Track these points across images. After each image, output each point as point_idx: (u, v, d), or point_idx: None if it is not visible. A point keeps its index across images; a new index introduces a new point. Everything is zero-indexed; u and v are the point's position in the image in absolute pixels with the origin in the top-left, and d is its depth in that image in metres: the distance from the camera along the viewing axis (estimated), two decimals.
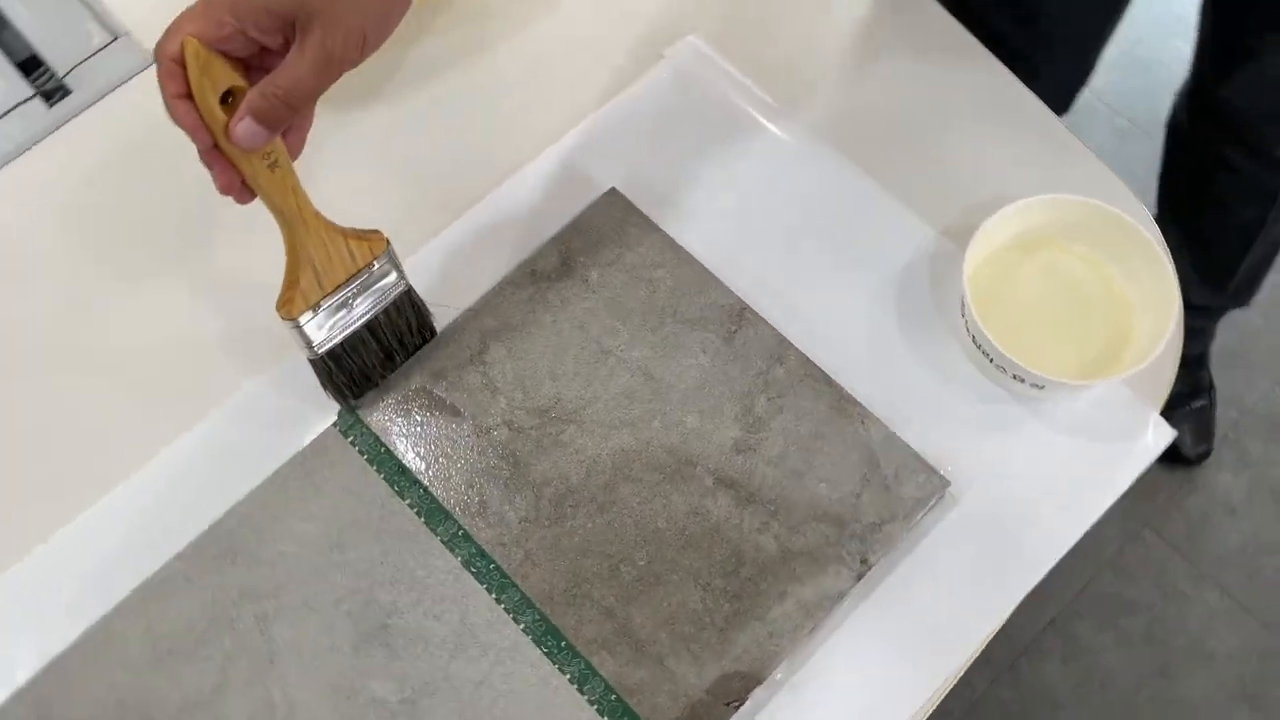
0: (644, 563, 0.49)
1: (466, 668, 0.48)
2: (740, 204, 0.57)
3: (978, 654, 0.49)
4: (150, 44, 0.43)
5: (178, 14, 0.41)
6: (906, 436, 0.51)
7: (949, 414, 0.52)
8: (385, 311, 0.51)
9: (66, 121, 0.60)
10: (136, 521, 0.51)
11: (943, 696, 0.48)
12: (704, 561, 0.49)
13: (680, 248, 0.55)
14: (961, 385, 0.53)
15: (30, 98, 0.60)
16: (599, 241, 0.56)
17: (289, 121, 0.42)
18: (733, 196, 0.58)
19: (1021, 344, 0.49)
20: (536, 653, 0.48)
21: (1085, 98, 1.38)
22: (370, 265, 0.49)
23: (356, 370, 0.51)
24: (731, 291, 0.54)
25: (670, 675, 0.47)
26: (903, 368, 0.53)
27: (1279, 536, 1.18)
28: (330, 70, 0.40)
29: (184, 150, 0.43)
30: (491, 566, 0.49)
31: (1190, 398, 1.17)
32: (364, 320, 0.50)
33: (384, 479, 0.51)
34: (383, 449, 0.52)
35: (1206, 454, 1.19)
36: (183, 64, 0.40)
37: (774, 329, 0.53)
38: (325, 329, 0.49)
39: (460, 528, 0.50)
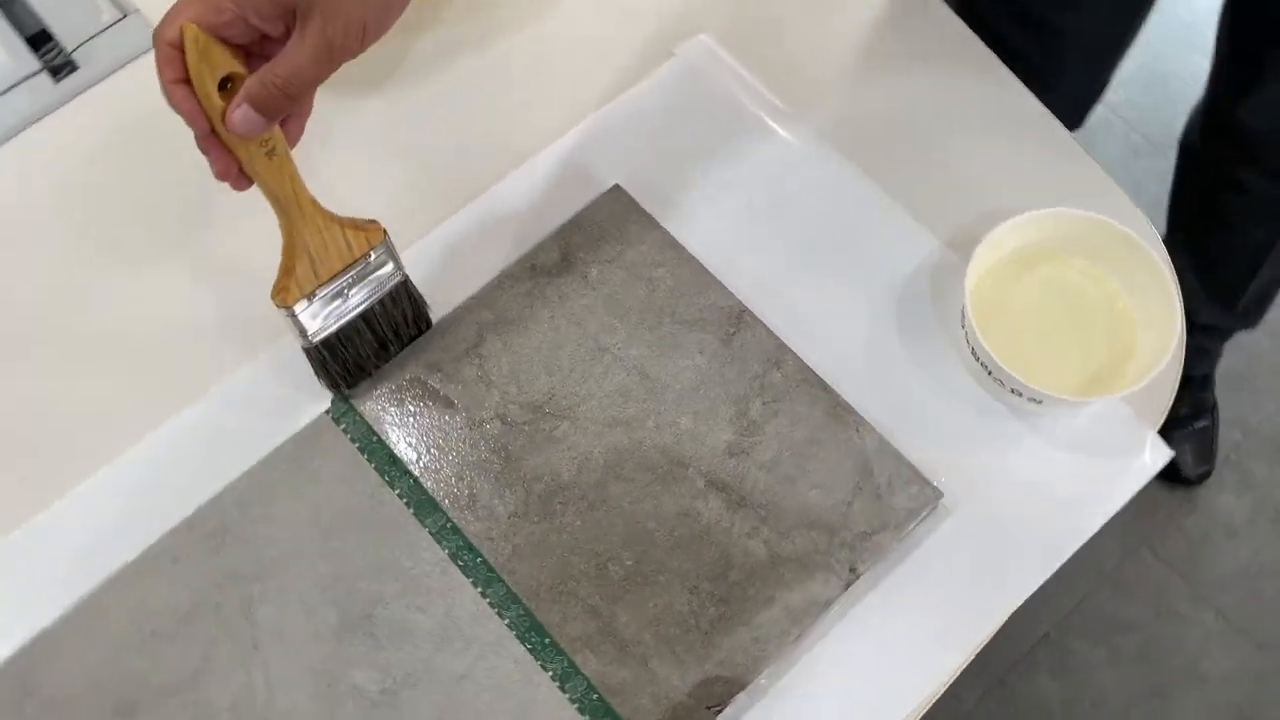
0: (632, 562, 0.49)
1: (449, 661, 0.48)
2: (744, 206, 0.57)
3: (965, 666, 0.48)
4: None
5: None
6: (901, 446, 0.51)
7: (945, 425, 0.52)
8: (381, 302, 0.50)
9: (73, 98, 0.60)
10: (126, 501, 0.51)
11: (929, 707, 0.48)
12: (692, 564, 0.49)
13: (681, 247, 0.55)
14: (959, 397, 0.53)
15: (37, 72, 0.60)
16: (600, 238, 0.56)
17: (287, 110, 0.41)
18: (737, 198, 0.57)
19: (1021, 358, 0.49)
20: (520, 649, 0.48)
21: (1100, 112, 1.38)
22: (367, 255, 0.49)
23: (350, 360, 0.51)
24: (731, 293, 0.54)
25: (653, 677, 0.47)
26: (900, 377, 0.53)
27: (1278, 559, 1.17)
28: (330, 60, 0.40)
29: (188, 132, 0.43)
30: (479, 560, 0.49)
31: (1193, 418, 1.17)
32: (359, 310, 0.50)
33: (375, 468, 0.51)
34: (374, 438, 0.51)
35: (1207, 475, 1.19)
36: (181, 49, 0.40)
37: (772, 333, 0.53)
38: (320, 318, 0.49)
39: (449, 520, 0.50)
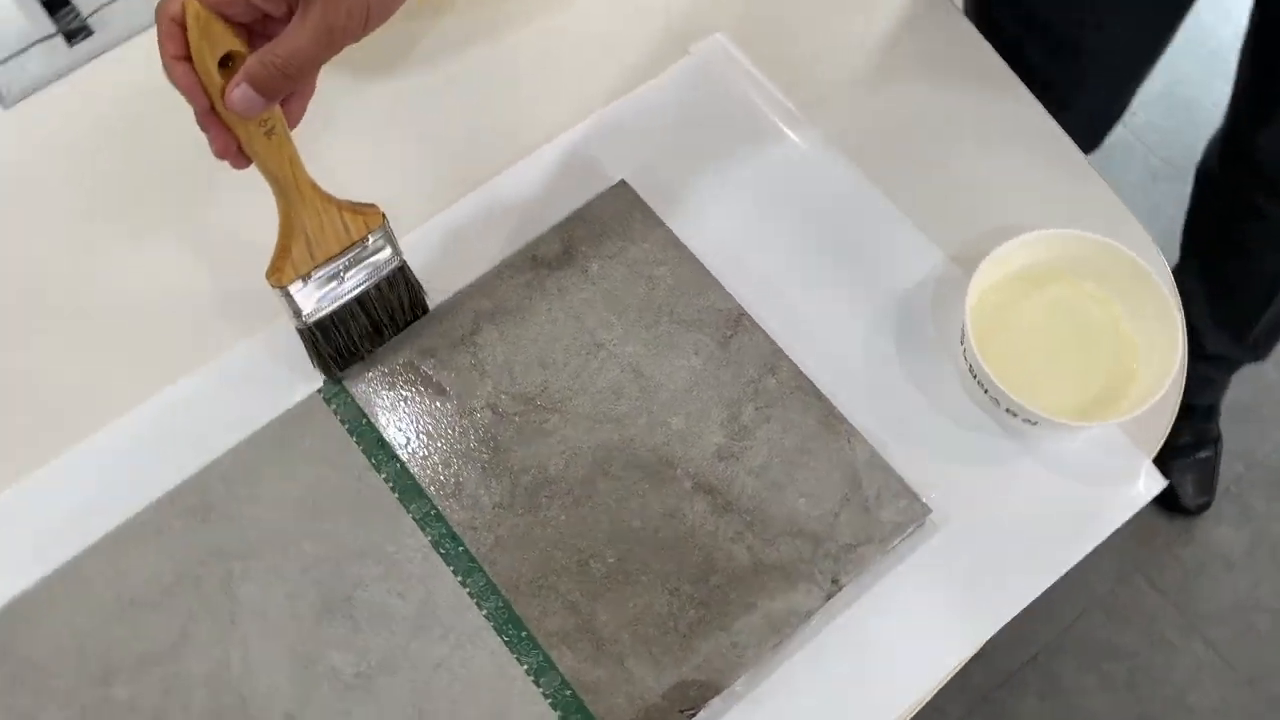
0: (614, 560, 0.49)
1: (426, 649, 0.47)
2: (750, 208, 0.57)
3: (947, 683, 0.48)
4: None
5: None
6: (893, 460, 0.50)
7: (938, 441, 0.52)
8: (377, 286, 0.50)
9: (85, 62, 0.60)
10: (113, 469, 0.51)
11: None
12: (674, 565, 0.48)
13: (684, 247, 0.55)
14: (954, 413, 0.52)
15: (52, 35, 0.60)
16: (603, 233, 0.55)
17: (286, 91, 0.41)
18: (743, 199, 0.57)
19: (1018, 378, 0.49)
20: (497, 641, 0.47)
21: (1120, 134, 1.37)
22: (365, 239, 0.49)
23: (344, 344, 0.51)
24: (731, 296, 0.54)
25: (629, 676, 0.47)
26: (896, 390, 0.53)
27: (1273, 594, 1.16)
28: (331, 42, 0.40)
29: None
30: (460, 549, 0.49)
31: (1195, 448, 1.16)
32: (355, 294, 0.50)
33: (363, 451, 0.51)
34: (364, 420, 0.51)
35: (1206, 505, 1.18)
36: (183, 25, 0.40)
37: (770, 338, 0.53)
38: (315, 299, 0.49)
39: (433, 507, 0.50)
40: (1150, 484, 0.51)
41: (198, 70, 0.41)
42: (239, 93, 0.41)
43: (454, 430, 0.51)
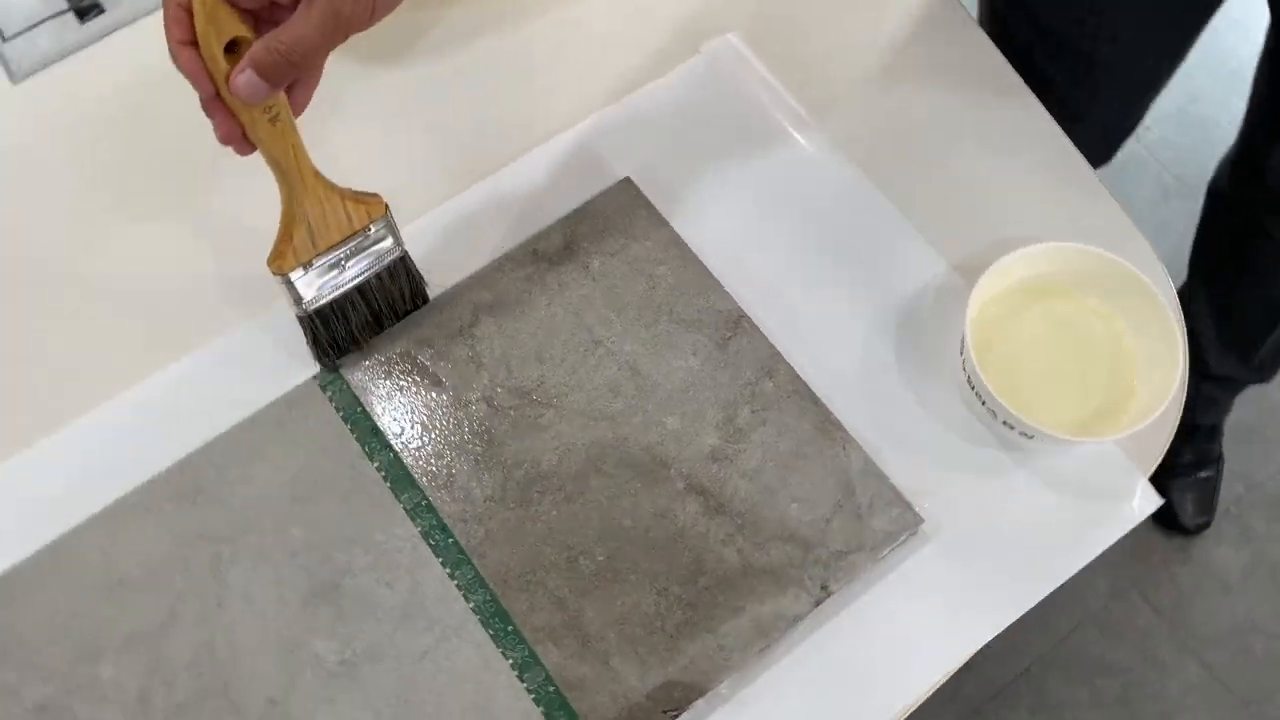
0: (603, 558, 0.48)
1: (411, 639, 0.47)
2: (754, 209, 0.56)
3: (934, 694, 0.48)
4: None
5: None
6: (887, 468, 0.50)
7: (934, 451, 0.51)
8: (378, 276, 0.50)
9: (96, 40, 0.60)
10: (106, 448, 0.51)
11: None
12: (664, 565, 0.48)
13: (686, 246, 0.55)
14: (951, 424, 0.52)
15: (64, 11, 0.60)
16: (605, 229, 0.55)
17: (291, 78, 0.41)
18: (748, 200, 0.57)
19: (1017, 390, 0.48)
20: (483, 634, 0.47)
21: (1134, 150, 1.36)
22: (367, 229, 0.48)
23: (343, 333, 0.51)
24: (731, 298, 0.53)
25: (613, 675, 0.46)
26: (893, 398, 0.52)
27: (1269, 616, 1.16)
28: (337, 31, 0.40)
29: None
30: (450, 541, 0.49)
31: (1196, 467, 1.15)
32: (355, 283, 0.49)
33: (356, 439, 0.51)
34: (359, 408, 0.51)
35: (1205, 525, 1.17)
36: (190, 10, 0.40)
37: (768, 341, 0.52)
38: (316, 287, 0.49)
39: (425, 497, 0.49)
40: (1146, 502, 0.51)
41: (203, 55, 0.41)
42: (243, 78, 0.41)
43: (448, 422, 0.51)
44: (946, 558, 0.49)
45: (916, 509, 0.49)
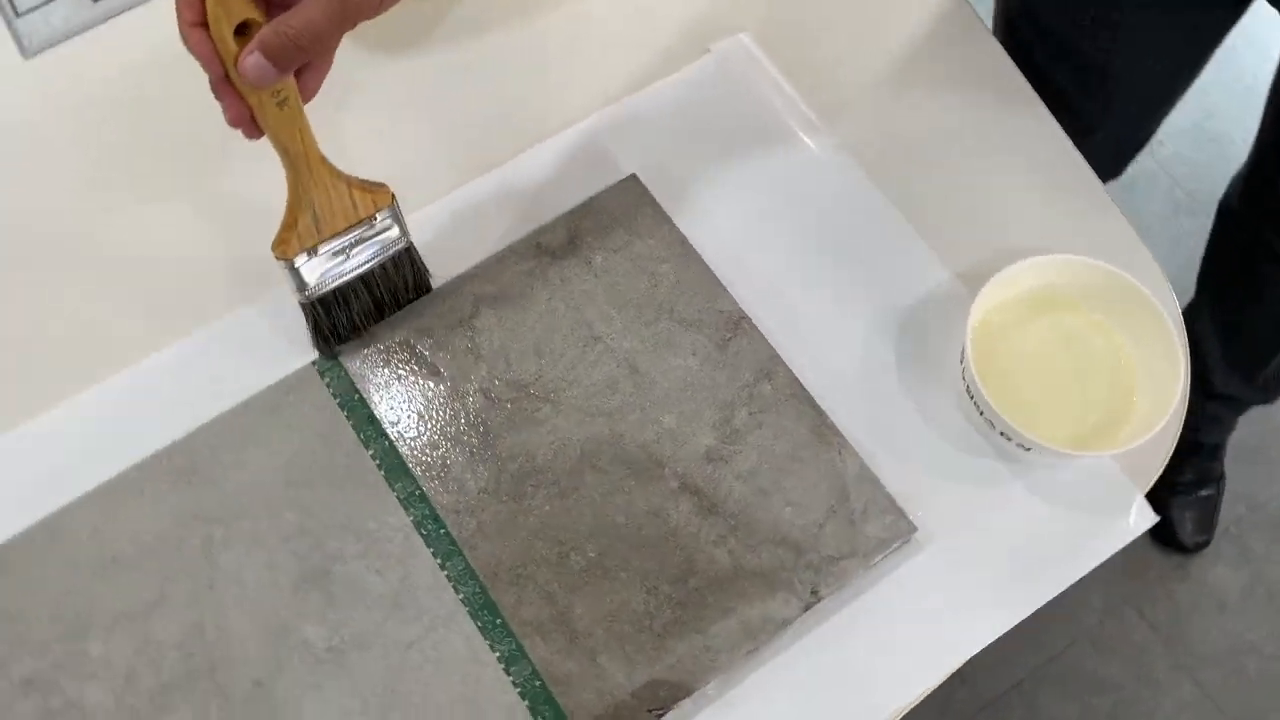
0: (594, 554, 0.48)
1: (399, 628, 0.47)
2: (759, 210, 0.56)
3: (922, 703, 0.48)
4: None
5: None
6: (883, 474, 0.50)
7: (930, 460, 0.51)
8: (383, 266, 0.50)
9: (109, 18, 0.60)
10: (104, 426, 0.51)
11: None
12: (655, 564, 0.48)
13: (690, 246, 0.55)
14: (948, 433, 0.52)
15: None
16: (609, 226, 0.55)
17: (299, 62, 0.41)
18: (753, 201, 0.57)
19: (1016, 402, 0.48)
20: (471, 626, 0.47)
21: (1147, 165, 1.36)
22: (372, 217, 0.48)
23: (345, 321, 0.51)
24: (732, 298, 0.53)
25: (600, 672, 0.46)
26: (892, 405, 0.52)
27: (1265, 638, 1.15)
28: (345, 17, 0.40)
29: None
30: (442, 532, 0.49)
31: (1197, 485, 1.15)
32: (359, 272, 0.49)
33: (352, 426, 0.51)
34: (356, 396, 0.51)
35: (1205, 544, 1.17)
36: None
37: (768, 344, 0.52)
38: (319, 274, 0.49)
39: (418, 487, 0.49)
40: (1141, 519, 0.51)
41: (213, 37, 0.41)
42: (252, 61, 0.41)
43: (445, 412, 0.51)
44: (939, 567, 0.49)
45: (910, 517, 0.49)
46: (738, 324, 0.53)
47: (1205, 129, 1.38)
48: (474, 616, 0.47)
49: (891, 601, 0.49)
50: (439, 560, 0.48)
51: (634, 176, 0.56)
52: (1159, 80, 0.75)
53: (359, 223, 0.48)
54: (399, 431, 0.50)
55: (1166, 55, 0.70)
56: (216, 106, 0.44)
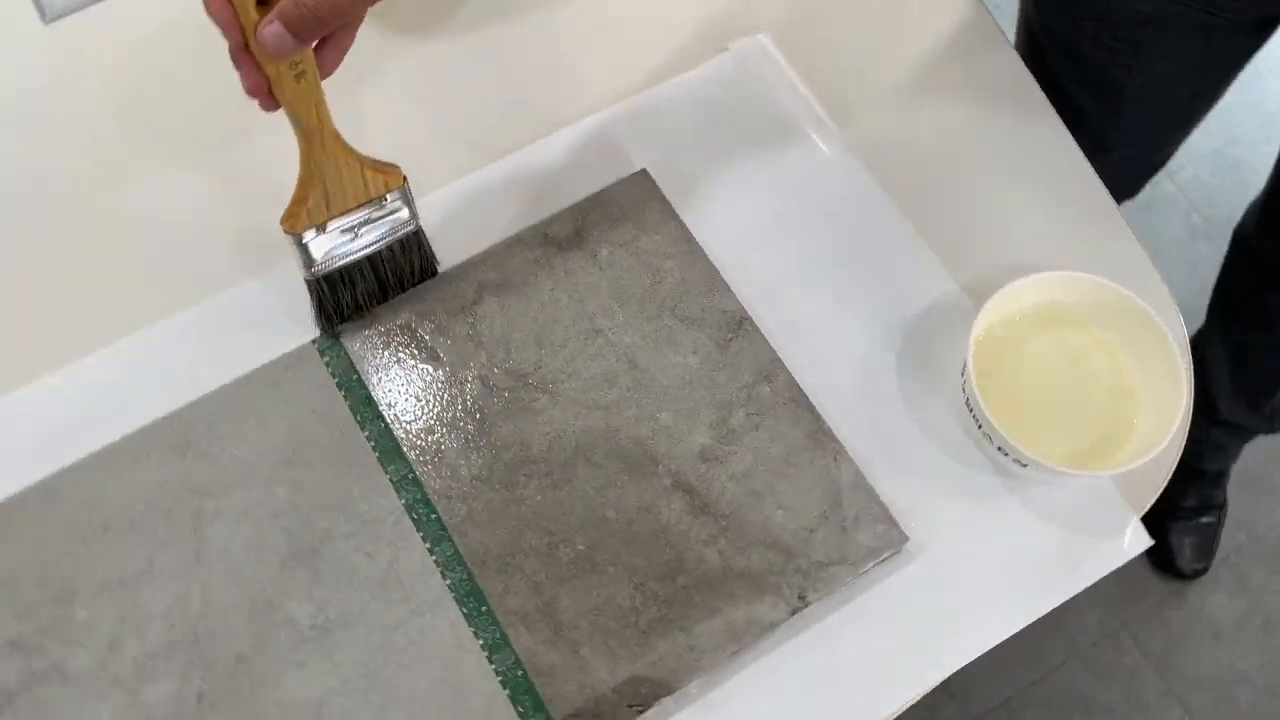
0: (583, 548, 0.48)
1: (385, 610, 0.47)
2: (769, 211, 0.56)
3: (903, 714, 0.47)
4: None
5: None
6: (877, 483, 0.50)
7: (926, 471, 0.51)
8: (390, 247, 0.50)
9: None
10: (103, 392, 0.51)
11: None
12: (643, 560, 0.48)
13: (696, 243, 0.54)
14: (946, 444, 0.51)
15: None
16: (617, 219, 0.55)
17: (318, 34, 0.41)
18: (763, 202, 0.56)
19: (1015, 417, 0.48)
20: (457, 612, 0.47)
21: (1166, 188, 1.35)
22: (383, 198, 0.48)
23: (349, 301, 0.51)
24: (736, 299, 0.53)
25: (582, 665, 0.46)
26: (890, 413, 0.52)
27: (1259, 669, 1.15)
28: None
29: None
30: (433, 516, 0.49)
31: (1199, 512, 1.14)
32: (367, 252, 0.49)
33: (349, 406, 0.51)
34: (354, 376, 0.51)
35: (1203, 571, 1.16)
36: None
37: (769, 345, 0.52)
38: (327, 252, 0.48)
39: (412, 471, 0.49)
40: (1135, 541, 0.50)
41: (234, 4, 0.41)
42: (271, 30, 0.41)
43: (442, 397, 0.51)
44: (929, 579, 0.49)
45: (903, 527, 0.49)
46: (740, 324, 0.53)
47: (1227, 154, 1.37)
48: (460, 603, 0.47)
49: (880, 610, 0.48)
50: (428, 545, 0.48)
51: (644, 171, 0.56)
52: (1178, 102, 0.74)
53: (369, 202, 0.48)
54: (395, 414, 0.50)
55: (1187, 77, 0.70)
56: (234, 76, 0.44)
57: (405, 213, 0.50)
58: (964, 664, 0.47)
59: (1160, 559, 1.15)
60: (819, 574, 0.48)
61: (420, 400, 0.51)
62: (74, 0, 0.60)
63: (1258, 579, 1.18)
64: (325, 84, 0.45)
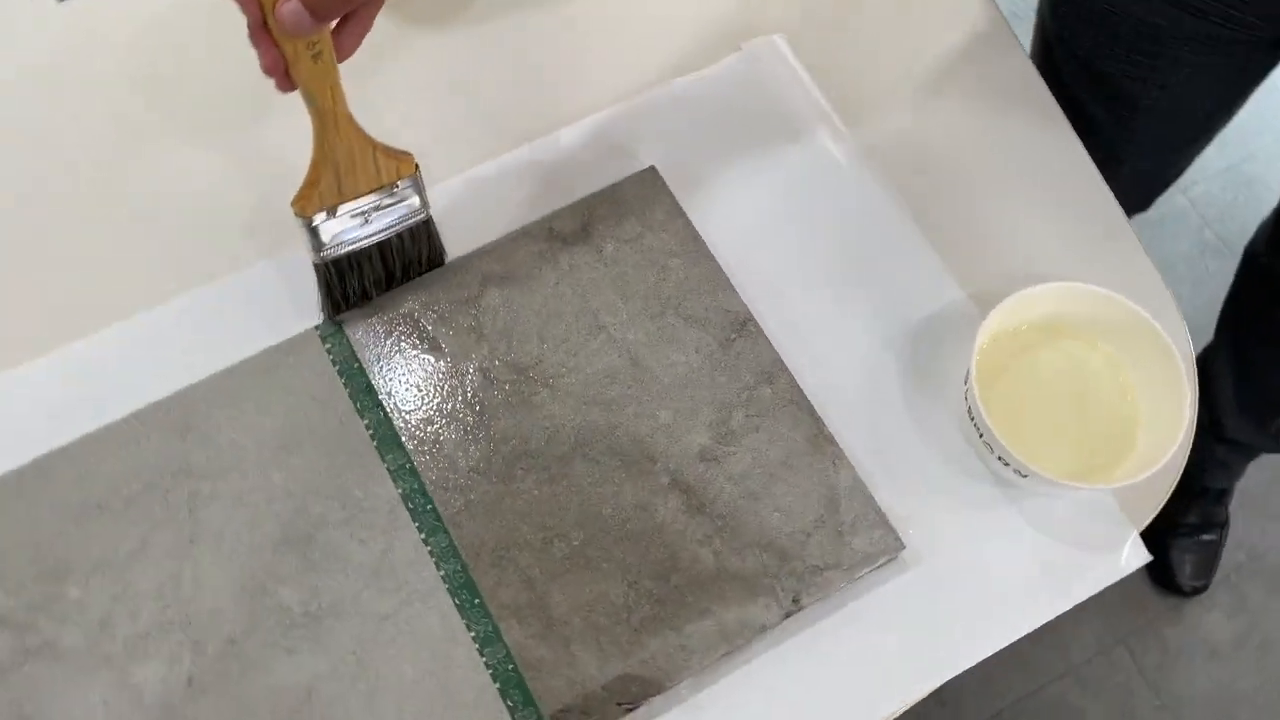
0: (578, 543, 0.48)
1: (377, 599, 0.47)
2: (776, 212, 0.56)
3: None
4: None
5: None
6: (876, 489, 0.50)
7: (925, 479, 0.51)
8: (400, 236, 0.50)
9: None
10: (105, 372, 0.51)
11: None
12: (637, 558, 0.48)
13: (702, 242, 0.54)
14: (946, 453, 0.51)
15: None
16: (624, 216, 0.55)
17: (337, 14, 0.41)
18: (771, 203, 0.56)
19: (1017, 428, 0.47)
20: (449, 604, 0.47)
21: (1179, 203, 1.34)
22: (394, 184, 0.48)
23: (355, 287, 0.51)
24: (740, 299, 0.53)
25: (572, 660, 0.46)
26: (891, 419, 0.52)
27: (1254, 689, 1.14)
28: None
29: None
30: (429, 507, 0.49)
31: (1200, 529, 1.14)
32: (376, 238, 0.49)
33: (349, 394, 0.51)
34: (356, 364, 0.51)
35: (1202, 589, 1.15)
36: None
37: (772, 347, 0.52)
38: (336, 236, 0.48)
39: (409, 460, 0.49)
40: (1134, 557, 0.50)
41: None
42: (290, 8, 0.41)
43: (442, 388, 0.51)
44: (924, 587, 0.49)
45: (900, 534, 0.49)
46: (743, 325, 0.52)
47: (1241, 171, 1.36)
48: (453, 594, 0.47)
49: (873, 617, 0.48)
50: (423, 535, 0.48)
51: (653, 169, 0.56)
52: (1193, 117, 0.74)
53: (381, 188, 0.48)
54: (395, 403, 0.50)
55: (1201, 92, 0.69)
56: (250, 56, 0.43)
57: (416, 201, 0.50)
58: (958, 673, 0.47)
59: (1160, 575, 1.15)
60: (813, 578, 0.48)
61: (420, 390, 0.51)
62: None
63: (1257, 599, 1.18)
64: (341, 68, 0.45)
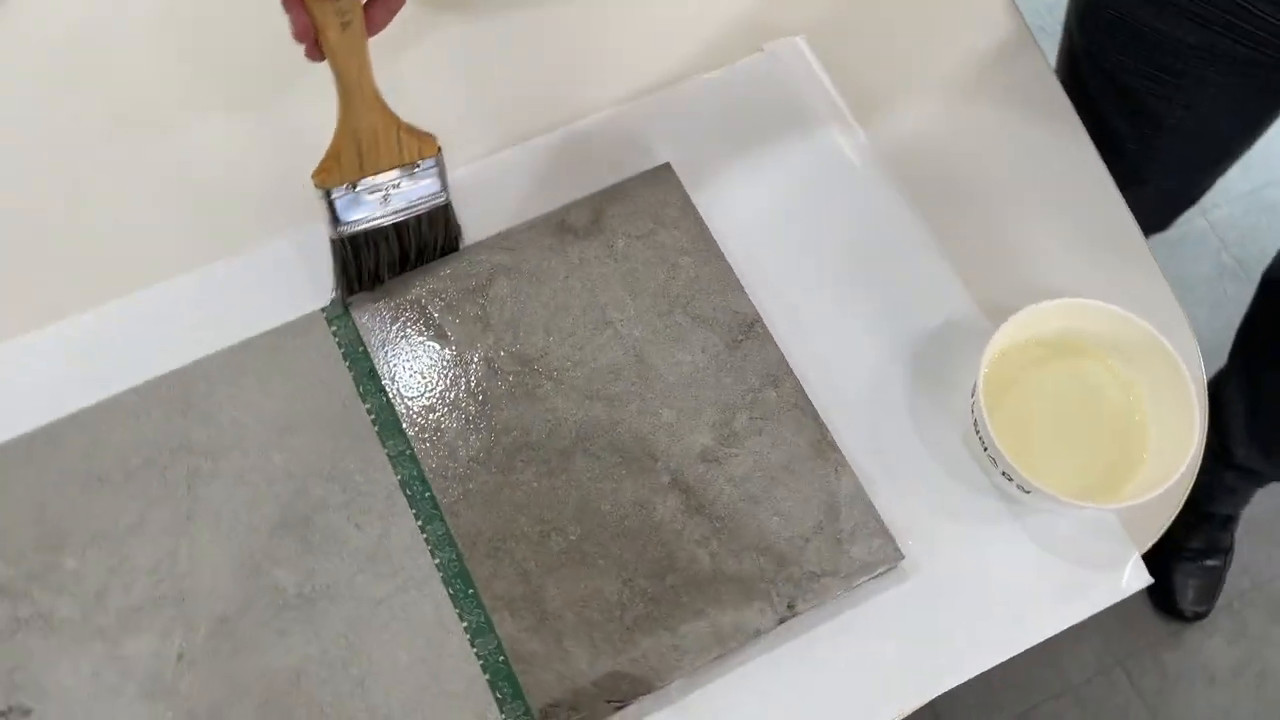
0: (575, 538, 0.48)
1: (371, 584, 0.47)
2: (790, 214, 0.56)
3: None
4: None
5: None
6: (877, 498, 0.49)
7: (928, 489, 0.50)
8: (418, 219, 0.50)
9: None
10: (112, 344, 0.51)
11: None
12: (634, 556, 0.48)
13: (713, 241, 0.54)
14: (950, 465, 0.51)
15: None
16: (636, 212, 0.54)
17: None
18: (785, 205, 0.56)
19: (1023, 443, 0.47)
20: (443, 592, 0.47)
21: (1199, 224, 1.33)
22: (416, 164, 0.48)
23: (370, 265, 0.51)
24: (749, 301, 0.53)
25: (564, 656, 0.46)
26: (896, 429, 0.51)
27: (1252, 717, 1.13)
28: None
29: None
30: (427, 494, 0.48)
31: (1204, 554, 1.13)
32: (395, 218, 0.49)
33: (353, 378, 0.51)
34: (361, 348, 0.51)
35: (1203, 615, 1.15)
36: None
37: (779, 350, 0.52)
38: (354, 212, 0.48)
39: (409, 447, 0.49)
40: (1135, 579, 0.49)
41: None
42: None
43: (446, 377, 0.51)
44: (922, 598, 0.48)
45: (900, 544, 0.48)
46: (751, 326, 0.52)
47: (1264, 195, 1.35)
48: (447, 583, 0.47)
49: (870, 626, 0.48)
50: (420, 522, 0.48)
51: (668, 165, 0.56)
52: (1217, 137, 0.73)
53: (402, 166, 0.48)
54: (398, 389, 0.50)
55: (1228, 113, 0.69)
56: (279, 27, 0.43)
57: (437, 184, 0.49)
58: (952, 687, 0.46)
59: (1161, 599, 1.14)
60: (810, 584, 0.47)
61: (424, 377, 0.51)
62: None
63: (1258, 627, 1.17)
64: (370, 43, 0.45)
